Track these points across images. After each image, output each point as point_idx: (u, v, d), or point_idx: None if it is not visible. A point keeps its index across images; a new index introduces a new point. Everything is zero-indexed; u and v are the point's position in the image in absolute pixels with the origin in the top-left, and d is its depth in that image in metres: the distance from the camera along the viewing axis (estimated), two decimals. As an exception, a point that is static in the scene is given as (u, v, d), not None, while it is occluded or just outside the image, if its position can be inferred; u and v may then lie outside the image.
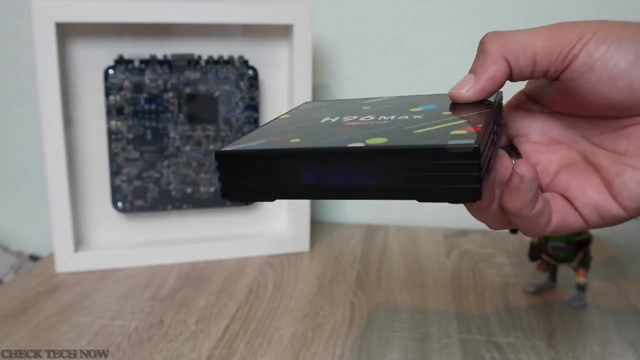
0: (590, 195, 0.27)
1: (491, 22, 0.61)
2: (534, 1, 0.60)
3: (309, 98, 0.53)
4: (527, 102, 0.31)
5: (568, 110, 0.29)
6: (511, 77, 0.27)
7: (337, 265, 0.54)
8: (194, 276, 0.51)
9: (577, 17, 0.60)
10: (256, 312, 0.45)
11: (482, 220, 0.28)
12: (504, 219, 0.27)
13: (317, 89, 0.64)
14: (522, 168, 0.25)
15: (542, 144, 0.30)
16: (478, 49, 0.28)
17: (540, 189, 0.29)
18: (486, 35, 0.27)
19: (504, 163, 0.27)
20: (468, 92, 0.27)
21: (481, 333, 0.41)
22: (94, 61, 0.51)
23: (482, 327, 0.42)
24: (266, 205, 0.59)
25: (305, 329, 0.42)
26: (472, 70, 0.28)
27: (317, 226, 0.64)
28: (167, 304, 0.46)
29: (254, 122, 0.55)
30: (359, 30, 0.63)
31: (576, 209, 0.27)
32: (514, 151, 0.30)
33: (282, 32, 0.54)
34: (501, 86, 0.27)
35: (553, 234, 0.28)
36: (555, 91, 0.28)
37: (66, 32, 0.50)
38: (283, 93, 0.57)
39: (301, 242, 0.57)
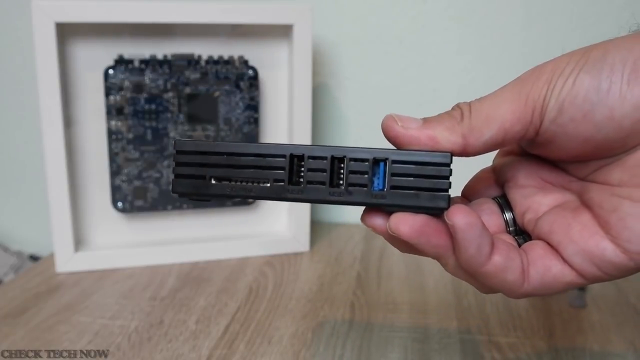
0: (578, 239, 0.22)
1: (491, 22, 0.61)
2: (533, 1, 0.60)
3: (309, 98, 0.53)
4: (518, 147, 0.27)
5: (554, 158, 0.25)
6: (466, 153, 0.23)
7: (337, 265, 0.54)
8: (194, 276, 0.51)
9: (576, 17, 0.60)
10: (256, 312, 0.45)
11: (462, 279, 0.24)
12: (473, 279, 0.23)
13: (317, 89, 0.64)
14: (452, 217, 0.21)
15: (533, 186, 0.26)
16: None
17: (525, 234, 0.25)
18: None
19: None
20: (402, 129, 0.23)
21: (481, 333, 0.41)
22: (94, 61, 0.51)
23: (482, 327, 0.42)
24: (266, 205, 0.59)
25: (305, 329, 0.42)
26: (425, 119, 0.23)
27: (317, 226, 0.64)
28: (167, 304, 0.46)
29: (254, 122, 0.55)
30: (359, 30, 0.63)
31: (564, 259, 0.23)
32: (503, 201, 0.27)
33: (282, 32, 0.54)
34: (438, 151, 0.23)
35: (540, 294, 0.23)
36: (535, 145, 0.24)
37: (66, 32, 0.50)
38: (283, 93, 0.57)
39: (301, 242, 0.57)
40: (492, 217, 0.26)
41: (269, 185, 0.23)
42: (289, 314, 0.44)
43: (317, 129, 0.65)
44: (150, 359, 0.38)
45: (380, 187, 0.22)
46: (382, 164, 0.22)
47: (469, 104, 0.23)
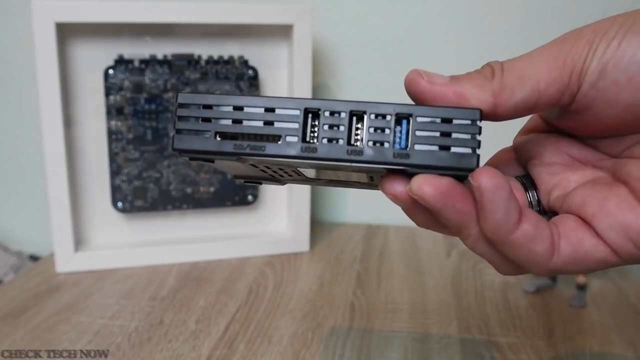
0: (615, 211, 0.20)
1: (491, 21, 0.61)
2: (533, 1, 0.60)
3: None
4: (543, 124, 0.25)
5: (585, 132, 0.23)
6: (495, 115, 0.21)
7: (337, 265, 0.54)
8: (194, 276, 0.51)
9: (576, 17, 0.60)
10: (256, 312, 0.45)
11: (482, 256, 0.23)
12: (496, 253, 0.22)
13: (317, 89, 0.64)
14: (478, 177, 0.19)
15: (560, 164, 0.24)
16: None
17: (550, 213, 0.24)
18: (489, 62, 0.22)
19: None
20: (428, 84, 0.21)
21: (481, 333, 0.41)
22: (94, 61, 0.51)
23: (482, 327, 0.42)
24: (266, 205, 0.59)
25: (305, 329, 0.42)
26: (453, 76, 0.22)
27: (317, 226, 0.64)
28: (167, 304, 0.46)
29: (254, 122, 0.55)
30: (359, 30, 0.63)
31: (597, 234, 0.21)
32: (527, 180, 0.25)
33: (282, 32, 0.54)
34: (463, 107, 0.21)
35: (569, 270, 0.21)
36: (568, 115, 0.22)
37: (66, 32, 0.50)
38: (283, 93, 0.57)
39: (301, 242, 0.57)
40: (516, 195, 0.24)
41: (279, 143, 0.20)
42: (289, 314, 0.44)
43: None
44: (150, 359, 0.38)
45: (403, 146, 0.20)
46: (404, 121, 0.20)
47: (501, 63, 0.21)
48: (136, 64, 0.52)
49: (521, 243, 0.20)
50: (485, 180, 0.19)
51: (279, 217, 0.60)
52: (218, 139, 0.21)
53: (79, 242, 0.54)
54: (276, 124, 0.21)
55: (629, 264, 0.21)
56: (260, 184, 0.27)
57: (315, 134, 0.21)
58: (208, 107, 0.21)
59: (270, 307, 0.45)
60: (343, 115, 0.20)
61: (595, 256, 0.21)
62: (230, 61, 0.54)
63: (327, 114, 0.20)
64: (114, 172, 0.53)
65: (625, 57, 0.19)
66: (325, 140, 0.20)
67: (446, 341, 0.40)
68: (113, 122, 0.52)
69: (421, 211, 0.22)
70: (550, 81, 0.20)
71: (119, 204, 0.54)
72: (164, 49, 0.53)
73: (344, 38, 0.63)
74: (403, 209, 0.22)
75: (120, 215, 0.55)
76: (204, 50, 0.53)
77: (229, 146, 0.21)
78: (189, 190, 0.55)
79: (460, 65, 0.65)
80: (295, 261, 0.55)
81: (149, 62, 0.52)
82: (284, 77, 0.56)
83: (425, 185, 0.20)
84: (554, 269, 0.21)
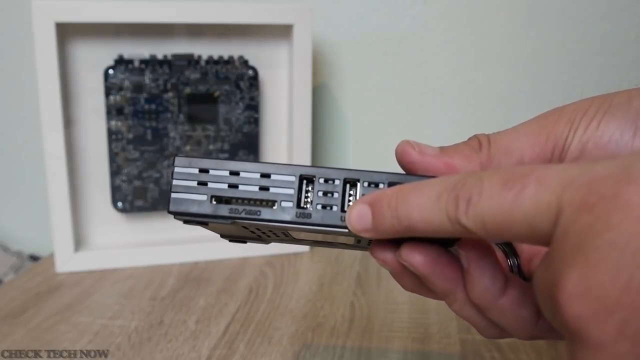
0: None
1: (491, 22, 0.61)
2: (533, 1, 0.60)
3: (309, 98, 0.53)
4: None
5: None
6: None
7: (337, 265, 0.54)
8: (194, 276, 0.51)
9: (576, 17, 0.60)
10: (256, 312, 0.45)
11: (468, 320, 0.23)
12: (482, 317, 0.22)
13: (317, 89, 0.64)
14: (465, 245, 0.20)
15: None
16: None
17: (531, 279, 0.24)
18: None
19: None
20: (419, 156, 0.22)
21: (481, 333, 0.41)
22: (94, 61, 0.51)
23: (482, 327, 0.42)
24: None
25: (305, 329, 0.42)
26: (442, 147, 0.23)
27: (317, 226, 0.64)
28: (167, 304, 0.46)
29: (254, 122, 0.55)
30: (359, 30, 0.63)
31: None
32: (508, 248, 0.26)
33: (282, 32, 0.54)
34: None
35: (553, 336, 0.21)
36: None
37: (66, 32, 0.50)
38: (283, 93, 0.57)
39: (301, 242, 0.57)
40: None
41: (274, 208, 0.21)
42: (289, 314, 0.44)
43: (317, 129, 0.65)
44: (150, 359, 0.38)
45: None
46: None
47: (487, 135, 0.22)
48: (136, 64, 0.52)
49: (508, 308, 0.21)
50: (472, 247, 0.20)
51: (279, 217, 0.60)
52: (213, 202, 0.21)
53: (79, 242, 0.54)
54: (271, 190, 0.21)
55: None
56: (245, 242, 0.27)
57: (309, 200, 0.21)
58: (204, 170, 0.22)
59: (270, 307, 0.45)
60: (337, 182, 0.21)
61: None
62: (230, 61, 0.54)
63: (321, 180, 0.21)
64: (114, 172, 0.53)
65: (604, 137, 0.21)
66: (319, 207, 0.21)
67: (446, 341, 0.40)
68: (113, 122, 0.52)
69: (409, 276, 0.22)
70: (534, 155, 0.21)
71: (119, 204, 0.54)
72: (164, 49, 0.53)
73: (344, 38, 0.63)
74: (391, 274, 0.23)
75: (120, 215, 0.55)
76: (204, 50, 0.53)
77: (224, 210, 0.21)
78: (189, 190, 0.55)
79: (460, 65, 0.65)
80: (295, 261, 0.55)
81: (149, 62, 0.52)
82: (284, 77, 0.56)
83: (416, 253, 0.20)
84: (538, 334, 0.21)
